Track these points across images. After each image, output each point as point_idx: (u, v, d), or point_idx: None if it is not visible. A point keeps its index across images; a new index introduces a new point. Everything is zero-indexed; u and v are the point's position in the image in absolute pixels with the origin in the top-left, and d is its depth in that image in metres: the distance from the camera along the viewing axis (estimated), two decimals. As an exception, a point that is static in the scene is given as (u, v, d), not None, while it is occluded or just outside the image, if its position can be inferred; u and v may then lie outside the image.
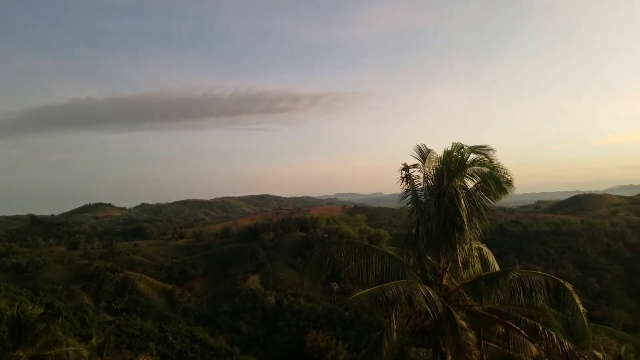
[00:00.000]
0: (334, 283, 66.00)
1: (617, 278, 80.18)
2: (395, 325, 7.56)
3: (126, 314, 62.56)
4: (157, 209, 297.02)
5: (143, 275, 78.66)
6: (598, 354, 12.29)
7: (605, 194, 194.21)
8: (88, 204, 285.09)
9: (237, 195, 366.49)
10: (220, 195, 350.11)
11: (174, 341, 52.75)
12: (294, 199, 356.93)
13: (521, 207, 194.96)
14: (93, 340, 24.01)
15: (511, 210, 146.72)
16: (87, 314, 58.85)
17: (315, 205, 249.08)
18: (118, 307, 66.61)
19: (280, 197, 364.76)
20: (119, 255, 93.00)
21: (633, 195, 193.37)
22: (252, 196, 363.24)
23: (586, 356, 8.06)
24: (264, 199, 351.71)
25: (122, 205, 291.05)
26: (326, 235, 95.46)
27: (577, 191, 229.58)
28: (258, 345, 57.21)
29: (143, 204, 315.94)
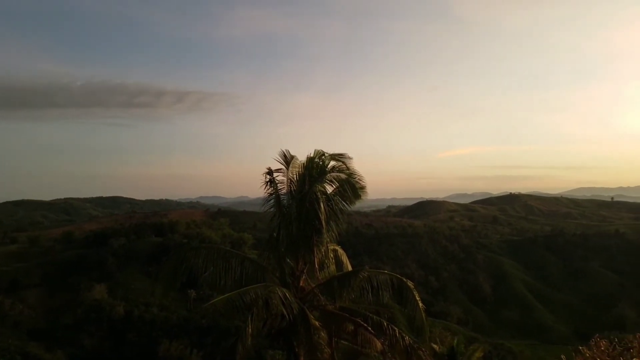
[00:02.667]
0: (191, 290, 63.61)
1: (453, 276, 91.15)
2: (250, 330, 7.57)
3: None
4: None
5: (-40, 286, 66.33)
6: (435, 346, 13.73)
7: (444, 201, 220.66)
8: None
9: (83, 196, 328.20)
10: (62, 196, 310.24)
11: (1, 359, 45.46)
12: (151, 201, 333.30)
13: (374, 211, 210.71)
14: None
15: (365, 214, 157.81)
16: None
17: (175, 209, 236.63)
18: None
19: (134, 199, 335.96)
20: None
21: (467, 202, 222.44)
22: (101, 198, 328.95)
23: (423, 349, 9.00)
24: (115, 202, 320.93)
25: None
26: (185, 241, 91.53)
27: (421, 198, 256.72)
28: (103, 359, 52.29)
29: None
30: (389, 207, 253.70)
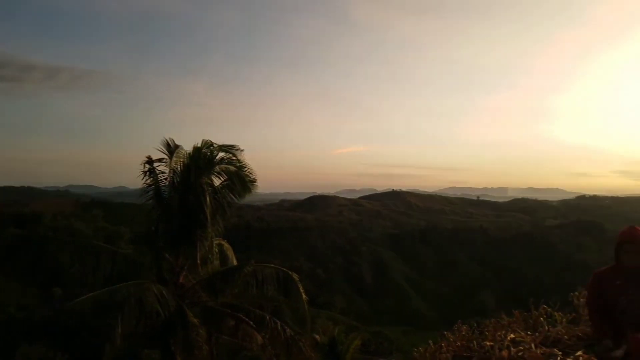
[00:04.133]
0: (57, 288, 57.92)
1: (339, 268, 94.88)
2: (120, 330, 7.03)
3: None
4: None
5: None
6: (317, 336, 14.04)
7: (335, 196, 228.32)
8: None
9: None
10: None
11: None
12: (10, 189, 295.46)
13: (267, 205, 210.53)
14: None
15: (258, 208, 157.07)
16: None
17: (40, 197, 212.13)
18: None
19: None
20: None
21: (355, 197, 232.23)
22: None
23: (304, 340, 9.16)
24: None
25: None
26: (51, 234, 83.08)
27: (314, 192, 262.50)
28: (-54, 369, 45.34)
29: None
30: (282, 201, 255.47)
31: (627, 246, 3.31)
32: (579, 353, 6.86)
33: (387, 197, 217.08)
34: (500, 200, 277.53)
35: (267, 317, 8.88)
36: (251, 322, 8.68)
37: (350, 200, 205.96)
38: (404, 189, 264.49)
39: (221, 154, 9.89)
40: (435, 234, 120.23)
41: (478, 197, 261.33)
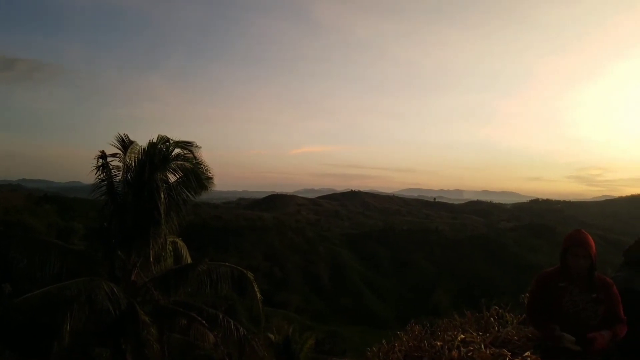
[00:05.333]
0: (6, 284, 55.33)
1: (296, 267, 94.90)
2: (68, 327, 6.88)
3: None
4: None
5: None
6: (271, 335, 14.10)
7: (294, 195, 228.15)
8: None
9: None
10: None
11: None
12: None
13: (225, 203, 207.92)
14: None
15: (215, 206, 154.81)
16: None
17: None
18: None
19: None
20: None
21: (314, 197, 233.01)
22: None
23: (257, 339, 9.22)
24: None
25: None
26: (1, 228, 79.18)
27: (272, 191, 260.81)
28: None
29: None
30: (240, 199, 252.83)
31: (573, 249, 3.38)
32: (527, 354, 7.25)
33: (346, 198, 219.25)
34: (456, 202, 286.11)
35: (221, 316, 8.88)
36: (204, 321, 8.66)
37: (309, 200, 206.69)
38: (362, 189, 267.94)
39: (177, 150, 9.78)
40: (392, 235, 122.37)
41: (434, 199, 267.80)
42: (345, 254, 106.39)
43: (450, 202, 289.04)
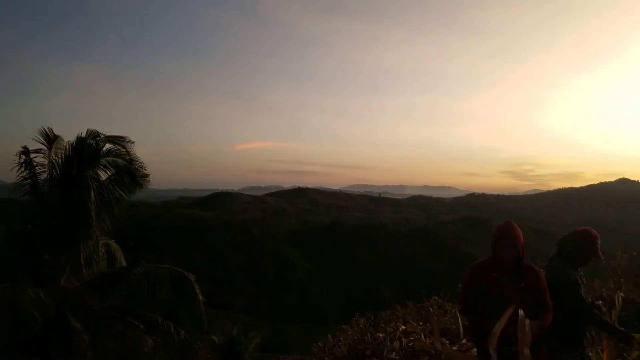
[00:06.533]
0: None
1: (241, 267, 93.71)
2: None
3: None
4: None
5: None
6: (214, 337, 13.74)
7: (239, 193, 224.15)
8: None
9: None
10: None
11: None
12: None
13: (164, 202, 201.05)
14: None
15: (153, 205, 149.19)
16: None
17: None
18: None
19: None
20: None
21: (260, 194, 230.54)
22: None
23: (199, 342, 8.94)
24: None
25: None
26: None
27: (216, 189, 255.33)
28: None
29: None
30: (181, 198, 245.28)
31: (502, 241, 3.52)
32: (464, 341, 7.50)
33: (293, 195, 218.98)
34: (400, 197, 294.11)
35: (160, 320, 8.52)
36: (141, 326, 8.25)
37: (254, 197, 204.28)
38: (309, 186, 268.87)
39: (109, 146, 9.28)
40: (338, 231, 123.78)
41: (379, 194, 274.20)
42: (291, 251, 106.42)
43: (393, 197, 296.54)
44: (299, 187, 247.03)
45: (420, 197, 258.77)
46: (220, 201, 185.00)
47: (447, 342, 7.47)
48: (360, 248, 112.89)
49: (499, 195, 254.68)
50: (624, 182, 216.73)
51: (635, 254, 8.19)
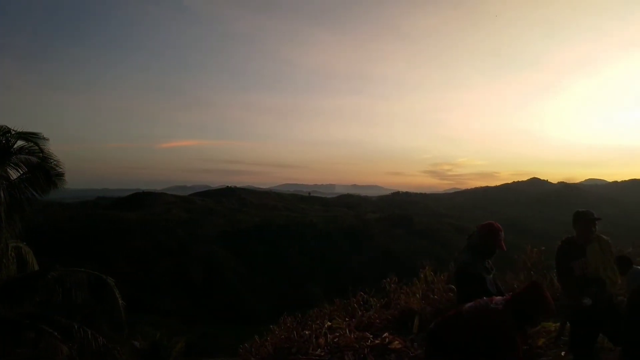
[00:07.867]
0: None
1: (166, 269, 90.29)
2: None
3: None
4: None
5: None
6: (136, 342, 13.28)
7: (162, 193, 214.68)
8: None
9: None
10: None
11: None
12: None
13: (81, 202, 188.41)
14: None
15: (69, 206, 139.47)
16: None
17: None
18: None
19: None
20: None
21: (185, 194, 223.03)
22: None
23: (119, 348, 8.65)
24: None
25: None
26: None
27: (138, 189, 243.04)
28: None
29: None
30: (99, 198, 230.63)
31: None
32: (386, 335, 7.87)
33: (222, 194, 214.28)
34: (329, 196, 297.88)
35: (76, 326, 8.12)
36: (55, 333, 7.83)
37: (180, 197, 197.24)
38: (238, 185, 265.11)
39: (21, 143, 8.80)
40: (268, 230, 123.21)
41: (309, 193, 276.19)
42: (220, 252, 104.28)
43: (323, 196, 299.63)
44: (227, 186, 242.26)
45: (348, 195, 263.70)
46: (142, 201, 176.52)
47: (371, 336, 7.83)
48: (290, 247, 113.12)
49: (421, 193, 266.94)
50: (534, 182, 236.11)
51: (543, 248, 9.04)
